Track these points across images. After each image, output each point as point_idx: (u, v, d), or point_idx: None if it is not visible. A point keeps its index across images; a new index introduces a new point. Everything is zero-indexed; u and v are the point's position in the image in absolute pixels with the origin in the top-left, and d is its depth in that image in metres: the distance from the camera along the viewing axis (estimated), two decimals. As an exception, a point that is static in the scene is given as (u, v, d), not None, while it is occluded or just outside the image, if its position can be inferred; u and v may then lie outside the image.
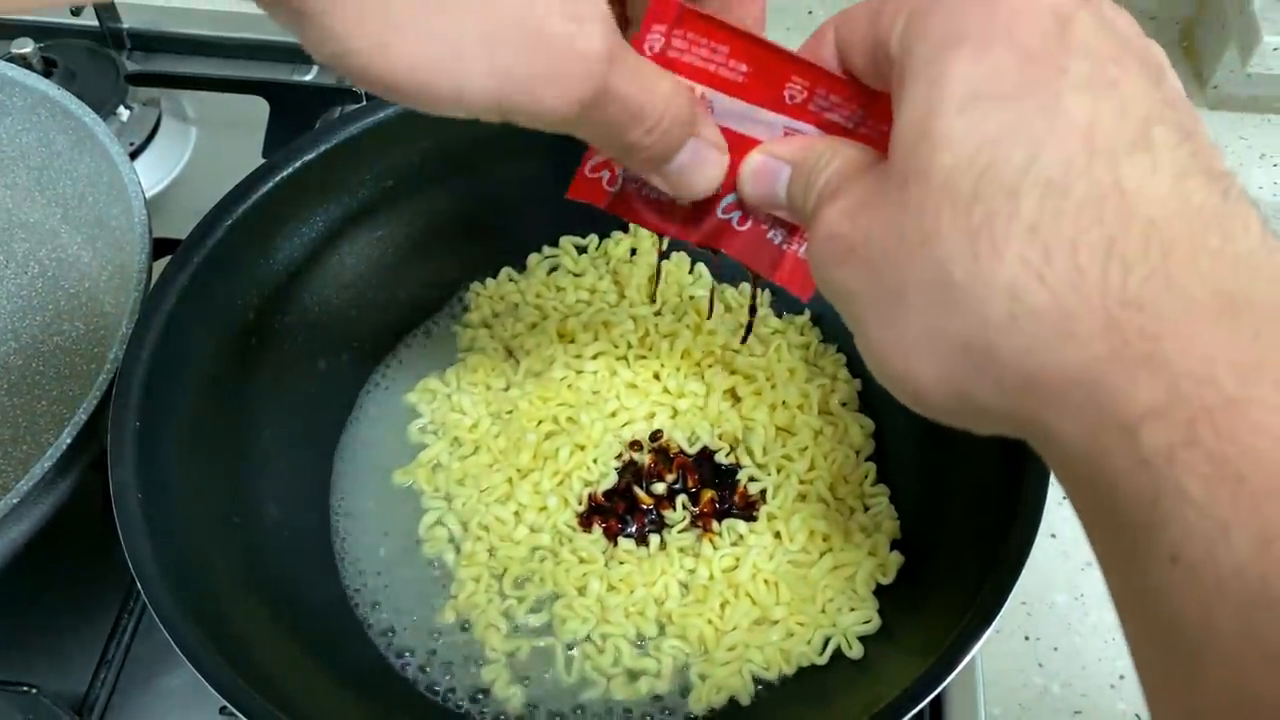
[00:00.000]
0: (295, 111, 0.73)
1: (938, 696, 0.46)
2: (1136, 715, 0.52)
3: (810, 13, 0.88)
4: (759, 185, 0.35)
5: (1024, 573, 0.41)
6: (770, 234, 0.38)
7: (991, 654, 0.54)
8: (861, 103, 0.33)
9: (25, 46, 0.71)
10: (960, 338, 0.26)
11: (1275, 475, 0.21)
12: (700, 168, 0.35)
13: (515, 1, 0.27)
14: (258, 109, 0.74)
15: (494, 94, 0.28)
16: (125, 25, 0.79)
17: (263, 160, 0.70)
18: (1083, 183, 0.24)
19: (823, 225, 0.30)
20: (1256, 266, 0.24)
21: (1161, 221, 0.24)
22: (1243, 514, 0.22)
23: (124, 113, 0.74)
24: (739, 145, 0.35)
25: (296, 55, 0.78)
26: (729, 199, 0.37)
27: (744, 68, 0.34)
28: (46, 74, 0.71)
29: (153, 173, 0.73)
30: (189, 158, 0.75)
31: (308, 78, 0.78)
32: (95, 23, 0.77)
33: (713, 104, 0.35)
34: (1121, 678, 0.54)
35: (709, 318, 0.57)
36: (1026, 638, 0.55)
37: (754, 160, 0.35)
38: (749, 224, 0.37)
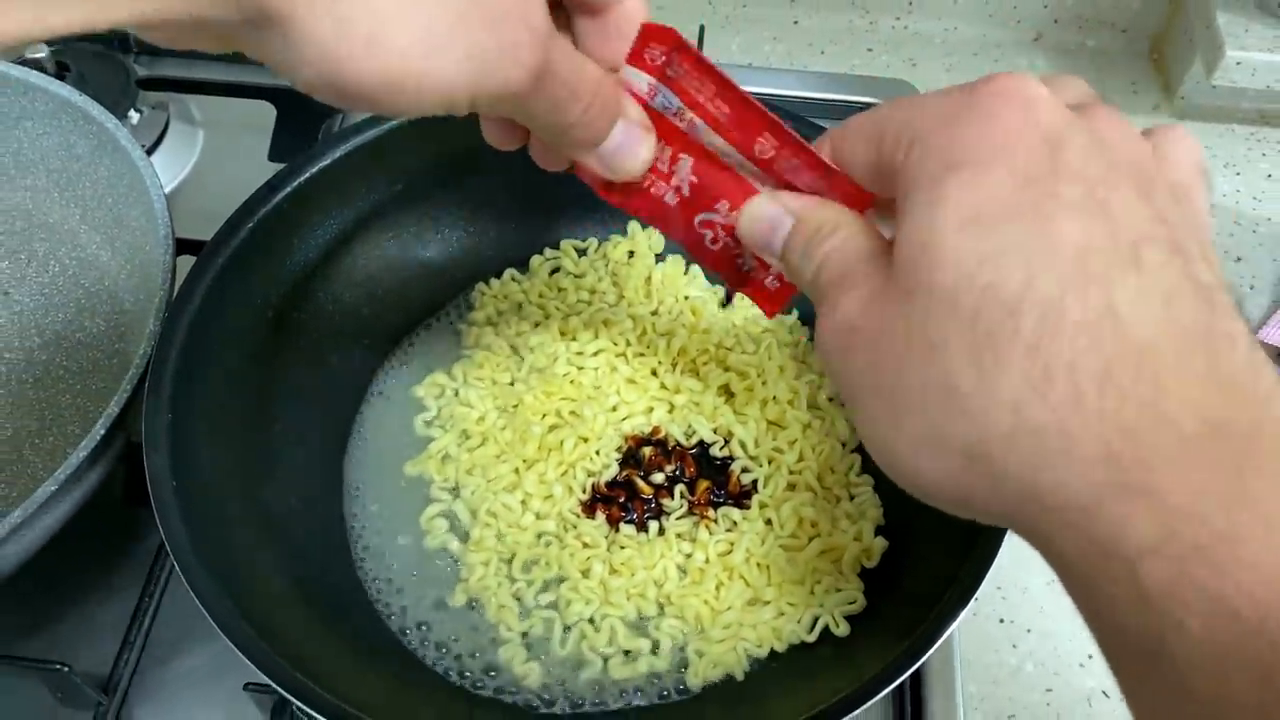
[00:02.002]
0: (301, 116, 0.75)
1: (917, 672, 0.49)
2: (1104, 691, 0.55)
3: (796, 22, 0.91)
4: (757, 229, 0.36)
5: (999, 559, 0.43)
6: (739, 260, 0.39)
7: (968, 635, 0.57)
8: (821, 174, 0.35)
9: (40, 51, 0.72)
10: (962, 443, 0.27)
11: (1267, 611, 0.22)
12: (631, 147, 0.37)
13: None
14: (264, 113, 0.76)
15: (469, 78, 0.30)
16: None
17: (269, 163, 0.73)
18: (1079, 305, 0.25)
19: (837, 313, 0.30)
20: (1240, 388, 0.25)
21: (1152, 348, 0.25)
22: (1242, 652, 0.22)
23: (134, 116, 0.76)
24: (718, 175, 0.38)
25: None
26: (703, 216, 0.39)
27: (726, 110, 0.36)
28: (59, 77, 0.73)
29: (161, 174, 0.74)
30: (196, 160, 0.77)
31: (312, 83, 0.80)
32: (104, 27, 0.79)
33: (697, 128, 0.37)
34: (1090, 657, 0.56)
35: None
36: (1001, 620, 0.58)
37: (760, 204, 0.36)
38: (720, 244, 0.39)
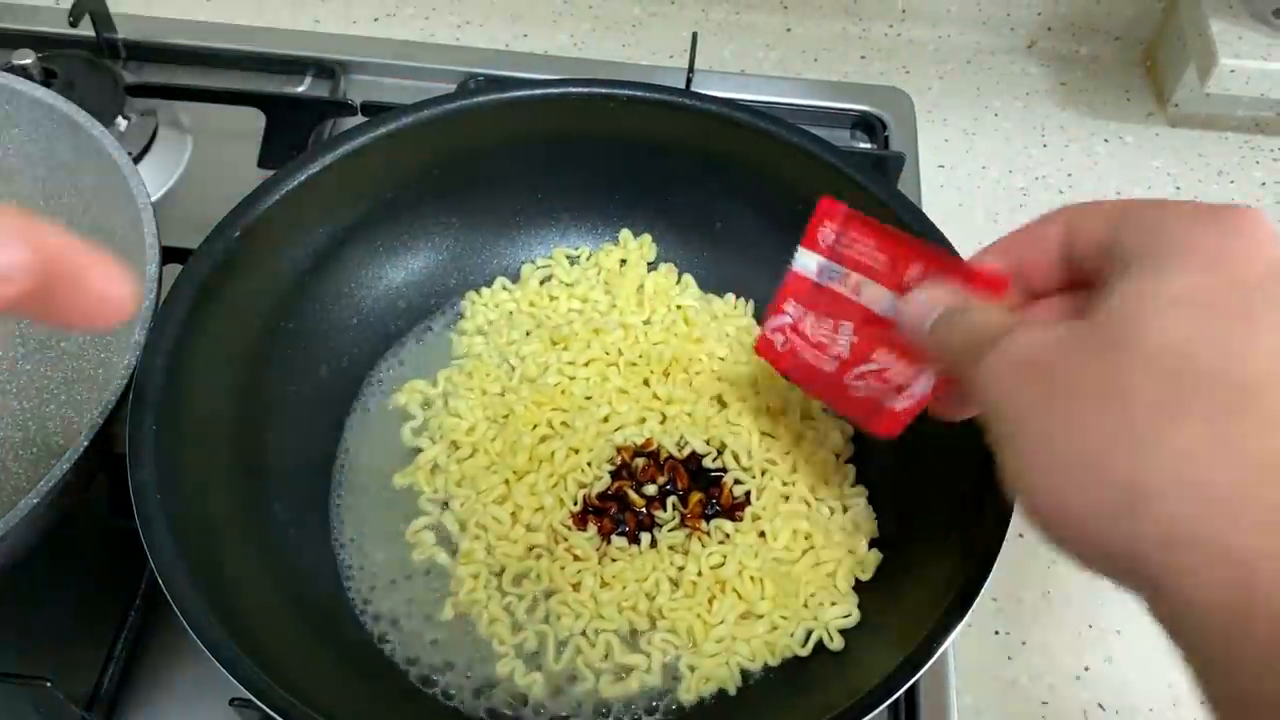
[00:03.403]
0: (290, 123, 0.75)
1: (913, 685, 0.49)
2: (1100, 704, 0.55)
3: (789, 30, 0.91)
4: (911, 314, 0.40)
5: (994, 570, 0.43)
6: (885, 400, 0.44)
7: (964, 647, 0.56)
8: (963, 276, 0.39)
9: (26, 58, 0.71)
10: (1125, 476, 0.29)
11: None
12: (102, 285, 0.27)
13: None
14: (253, 120, 0.75)
15: None
16: (120, 36, 0.80)
17: (258, 170, 0.72)
18: (1268, 397, 0.29)
19: (1016, 346, 0.34)
20: None
21: None
22: None
23: (122, 123, 0.75)
24: (876, 329, 0.43)
25: (292, 67, 0.80)
26: (860, 369, 0.44)
27: (883, 258, 0.42)
28: (46, 83, 0.72)
29: (149, 182, 0.73)
30: (185, 167, 0.76)
31: (301, 89, 0.80)
32: (91, 33, 0.79)
33: (862, 289, 0.43)
34: (1086, 669, 0.56)
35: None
36: (996, 632, 0.58)
37: (918, 295, 0.41)
38: (865, 392, 0.44)
